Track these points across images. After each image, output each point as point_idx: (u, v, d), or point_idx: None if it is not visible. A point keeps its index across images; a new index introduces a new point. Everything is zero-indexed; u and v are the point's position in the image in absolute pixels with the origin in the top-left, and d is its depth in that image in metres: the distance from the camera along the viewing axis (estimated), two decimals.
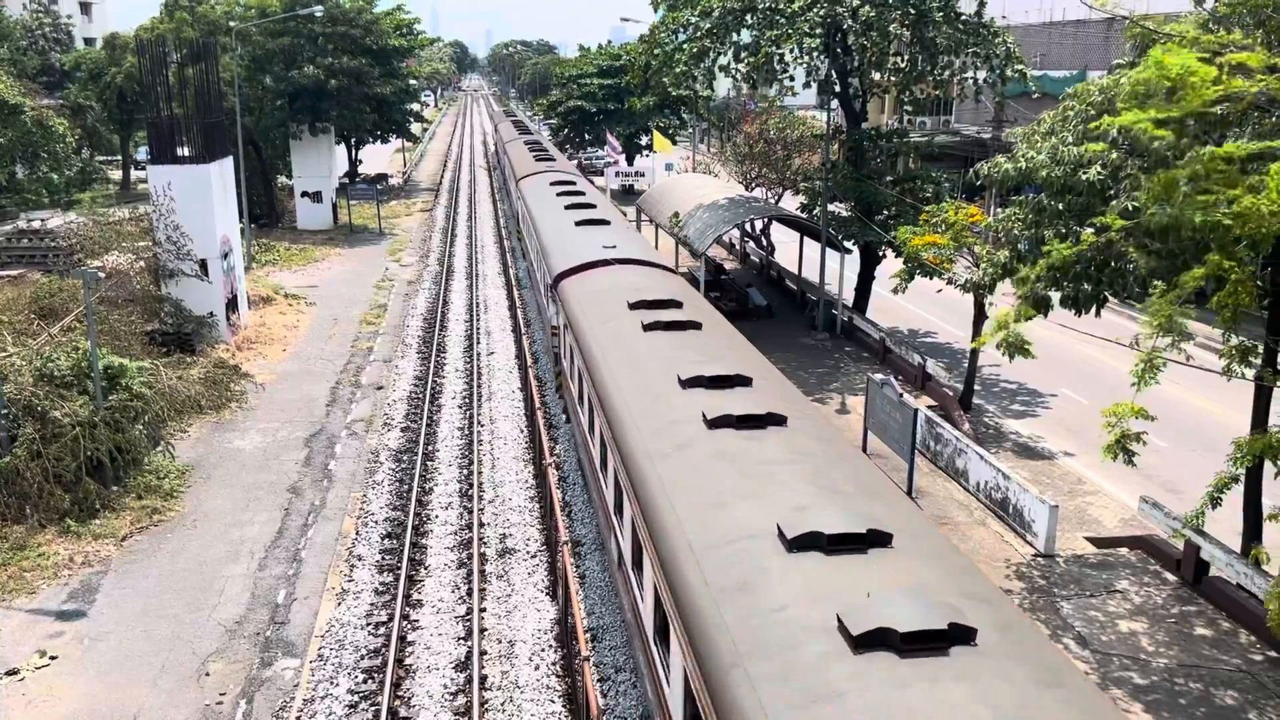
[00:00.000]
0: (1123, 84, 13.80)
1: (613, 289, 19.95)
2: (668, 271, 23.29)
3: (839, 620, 8.03)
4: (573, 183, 37.18)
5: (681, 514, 10.68)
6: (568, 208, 30.12)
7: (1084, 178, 16.07)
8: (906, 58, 30.48)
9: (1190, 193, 11.51)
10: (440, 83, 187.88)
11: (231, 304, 31.15)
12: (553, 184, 36.21)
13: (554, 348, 24.50)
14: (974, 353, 25.33)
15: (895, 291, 25.91)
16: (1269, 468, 13.23)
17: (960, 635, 7.83)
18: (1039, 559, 17.99)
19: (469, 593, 16.64)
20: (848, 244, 32.75)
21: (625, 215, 41.05)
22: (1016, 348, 14.21)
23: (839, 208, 33.63)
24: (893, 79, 31.71)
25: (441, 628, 15.72)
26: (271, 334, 32.20)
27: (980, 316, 24.93)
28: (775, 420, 12.29)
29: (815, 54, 29.80)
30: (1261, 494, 15.92)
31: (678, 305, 18.29)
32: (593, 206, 30.51)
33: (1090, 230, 13.67)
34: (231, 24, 46.54)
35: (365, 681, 14.39)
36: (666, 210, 37.61)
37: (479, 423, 24.45)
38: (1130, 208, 14.15)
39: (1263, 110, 13.15)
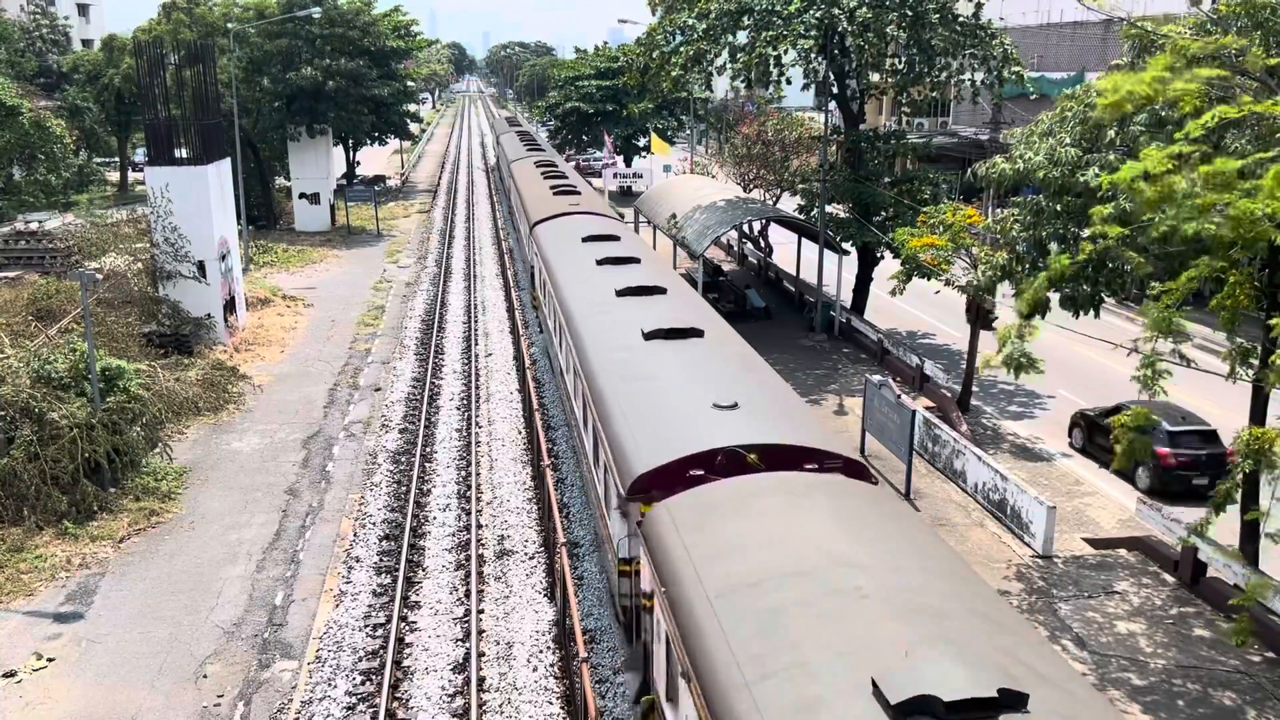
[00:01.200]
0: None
1: (781, 562, 9.50)
2: (863, 482, 12.20)
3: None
4: (617, 237, 26.47)
5: None
6: (622, 294, 20.00)
7: (1081, 178, 16.10)
8: (904, 59, 30.53)
9: (1185, 200, 11.53)
10: (438, 84, 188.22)
11: (229, 306, 31.13)
12: (588, 239, 26.06)
13: (622, 619, 14.15)
14: (971, 354, 25.34)
15: (893, 293, 25.92)
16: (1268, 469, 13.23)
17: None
18: (1037, 560, 18.00)
19: (467, 594, 16.63)
20: (845, 245, 32.79)
21: (623, 217, 41.04)
22: (1024, 366, 14.24)
23: (837, 209, 33.66)
24: (890, 80, 31.77)
25: (440, 629, 15.70)
26: (269, 336, 32.17)
27: (978, 318, 24.96)
28: None
29: (812, 55, 29.84)
30: (1259, 496, 15.91)
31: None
32: (662, 291, 20.24)
33: (1088, 243, 13.74)
34: (229, 25, 46.47)
35: (363, 683, 14.38)
36: (664, 212, 37.58)
37: (477, 424, 24.44)
38: (1129, 208, 14.16)
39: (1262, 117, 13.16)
